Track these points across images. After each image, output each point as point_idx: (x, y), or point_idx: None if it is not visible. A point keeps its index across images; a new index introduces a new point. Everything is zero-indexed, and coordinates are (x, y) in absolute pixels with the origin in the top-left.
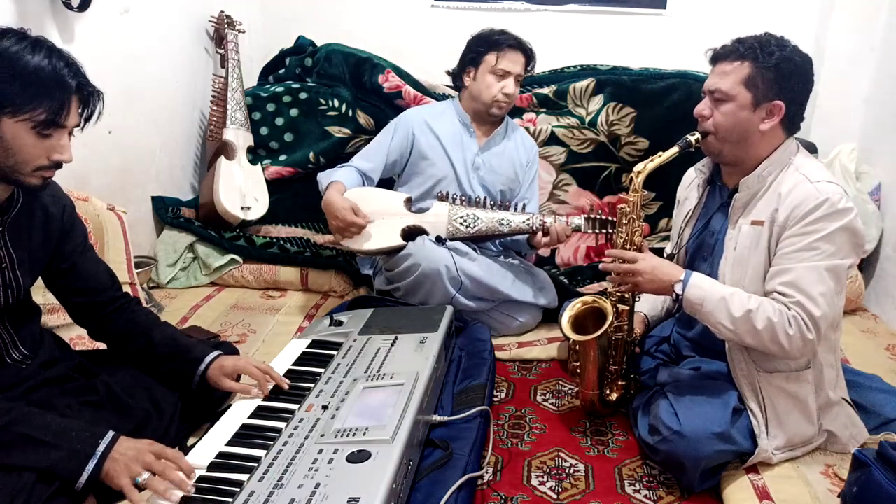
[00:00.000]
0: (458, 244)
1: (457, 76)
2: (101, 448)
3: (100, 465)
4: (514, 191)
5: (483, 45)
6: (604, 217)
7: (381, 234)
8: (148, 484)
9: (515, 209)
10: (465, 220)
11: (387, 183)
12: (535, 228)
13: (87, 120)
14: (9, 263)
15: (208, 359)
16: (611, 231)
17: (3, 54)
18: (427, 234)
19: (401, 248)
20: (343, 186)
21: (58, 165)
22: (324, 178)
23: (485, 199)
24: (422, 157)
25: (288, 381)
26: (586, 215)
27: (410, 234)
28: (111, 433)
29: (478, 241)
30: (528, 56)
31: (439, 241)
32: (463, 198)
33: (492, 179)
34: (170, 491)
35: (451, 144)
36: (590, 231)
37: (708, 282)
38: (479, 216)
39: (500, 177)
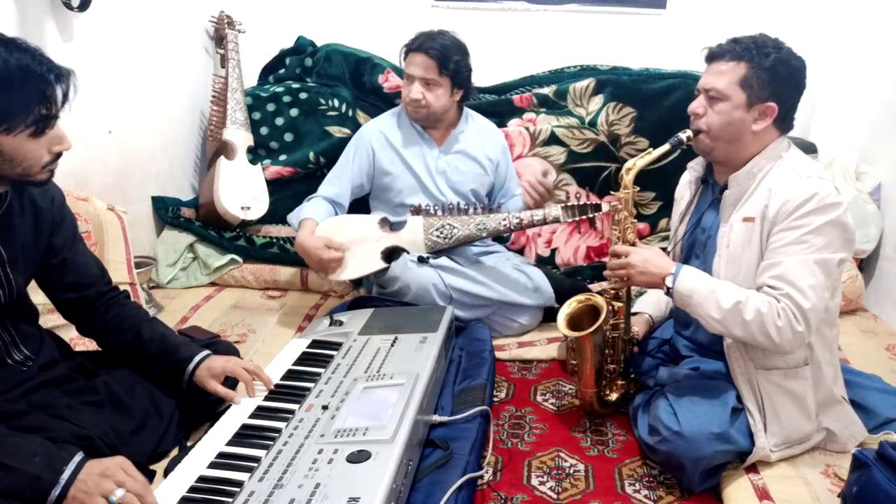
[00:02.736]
0: (443, 260)
1: None
2: (66, 475)
3: (65, 491)
4: (486, 186)
5: (401, 55)
6: (582, 203)
7: (362, 261)
8: (124, 502)
9: (490, 211)
10: (441, 232)
11: (362, 203)
12: (511, 227)
13: (66, 99)
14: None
15: (197, 359)
16: (592, 215)
17: None
18: (407, 252)
19: (385, 270)
20: (313, 223)
21: (59, 154)
22: (294, 217)
23: (458, 204)
24: (385, 173)
25: (276, 379)
26: (563, 204)
27: (391, 254)
28: (78, 457)
29: (459, 248)
30: (432, 56)
31: (421, 261)
32: (436, 207)
33: (459, 180)
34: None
35: (410, 154)
36: (569, 220)
37: (698, 274)
38: (455, 225)
39: (467, 175)
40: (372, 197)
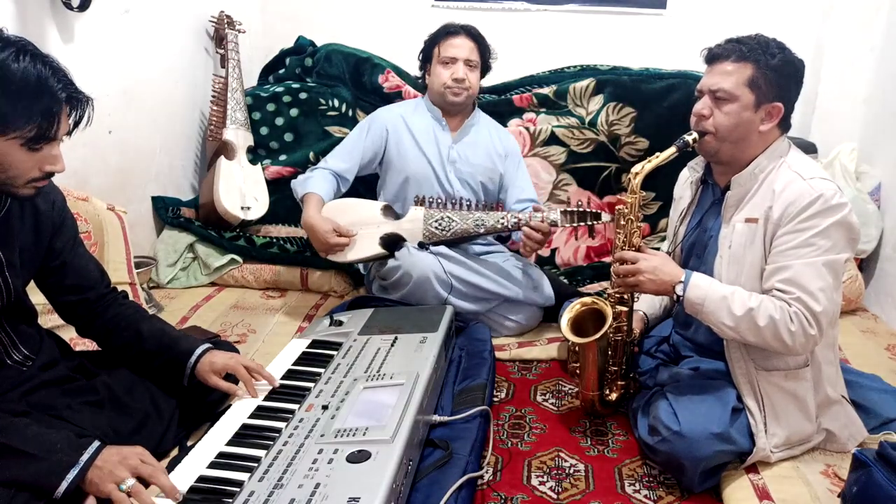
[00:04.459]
0: (445, 248)
1: (421, 78)
2: (85, 457)
3: (82, 473)
4: (495, 181)
5: (430, 41)
6: (582, 209)
7: (361, 244)
8: (133, 491)
9: (492, 209)
10: (440, 224)
11: (363, 181)
12: (509, 227)
13: (77, 125)
14: None
15: (198, 352)
16: (591, 223)
17: None
18: (405, 240)
19: (382, 256)
20: (320, 199)
21: (50, 175)
22: (298, 186)
23: (461, 200)
24: (397, 155)
25: (277, 379)
26: (563, 209)
27: (389, 240)
28: (97, 443)
29: (456, 243)
30: (475, 39)
31: (422, 246)
32: (440, 200)
33: (469, 171)
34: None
35: (424, 140)
36: (567, 225)
37: (708, 281)
38: (454, 219)
39: (477, 167)
40: (380, 186)
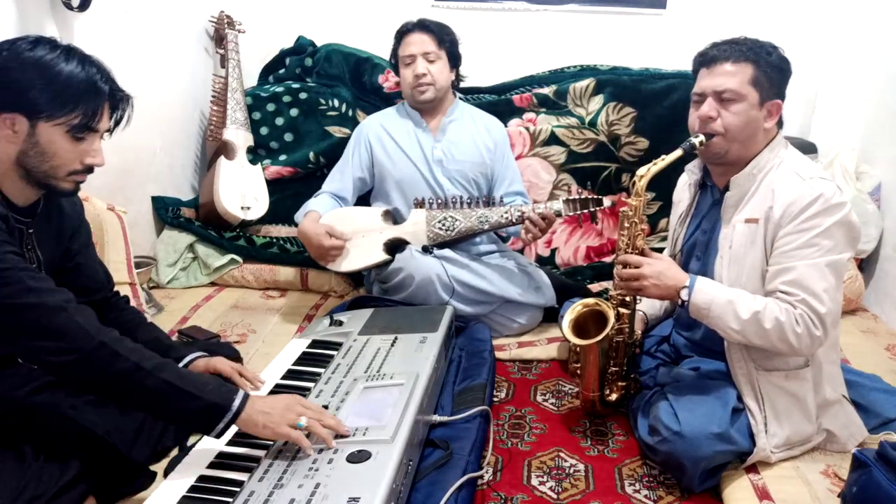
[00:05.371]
0: (447, 251)
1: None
2: (237, 403)
3: (236, 415)
4: (487, 175)
5: (393, 47)
6: (584, 196)
7: (364, 252)
8: (311, 428)
9: (493, 204)
10: (443, 224)
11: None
12: (513, 220)
13: (118, 124)
14: (38, 264)
15: (186, 360)
16: (594, 209)
17: (38, 62)
18: (408, 243)
19: (387, 262)
20: (317, 215)
21: (90, 170)
22: (300, 214)
23: (461, 198)
24: (383, 164)
25: (261, 379)
26: (565, 198)
27: (393, 246)
28: (243, 391)
29: (459, 242)
30: (430, 30)
31: (426, 250)
32: (440, 200)
33: (458, 168)
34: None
35: (407, 143)
36: (571, 213)
37: (712, 285)
38: (457, 217)
39: (464, 164)
40: (373, 197)
